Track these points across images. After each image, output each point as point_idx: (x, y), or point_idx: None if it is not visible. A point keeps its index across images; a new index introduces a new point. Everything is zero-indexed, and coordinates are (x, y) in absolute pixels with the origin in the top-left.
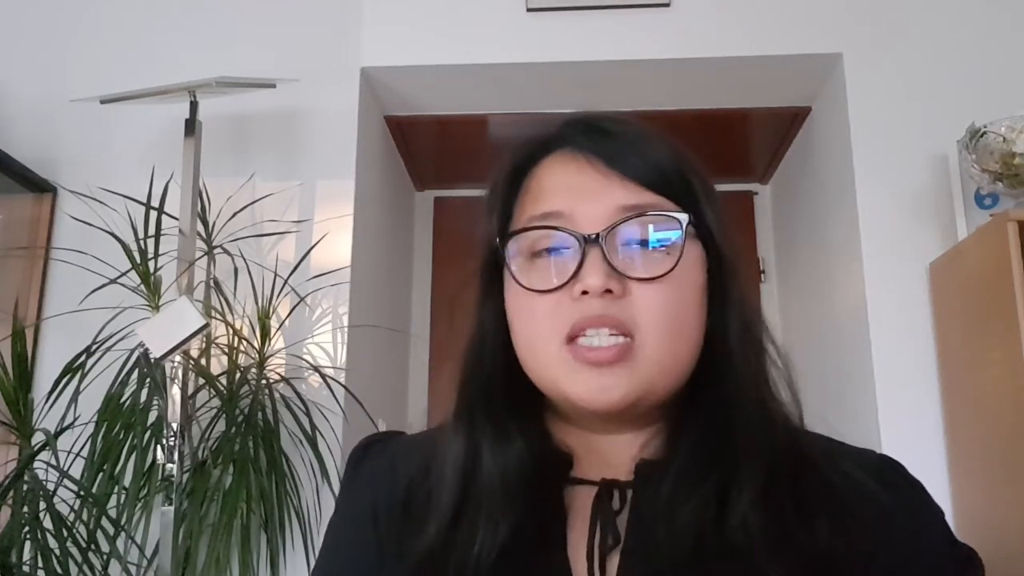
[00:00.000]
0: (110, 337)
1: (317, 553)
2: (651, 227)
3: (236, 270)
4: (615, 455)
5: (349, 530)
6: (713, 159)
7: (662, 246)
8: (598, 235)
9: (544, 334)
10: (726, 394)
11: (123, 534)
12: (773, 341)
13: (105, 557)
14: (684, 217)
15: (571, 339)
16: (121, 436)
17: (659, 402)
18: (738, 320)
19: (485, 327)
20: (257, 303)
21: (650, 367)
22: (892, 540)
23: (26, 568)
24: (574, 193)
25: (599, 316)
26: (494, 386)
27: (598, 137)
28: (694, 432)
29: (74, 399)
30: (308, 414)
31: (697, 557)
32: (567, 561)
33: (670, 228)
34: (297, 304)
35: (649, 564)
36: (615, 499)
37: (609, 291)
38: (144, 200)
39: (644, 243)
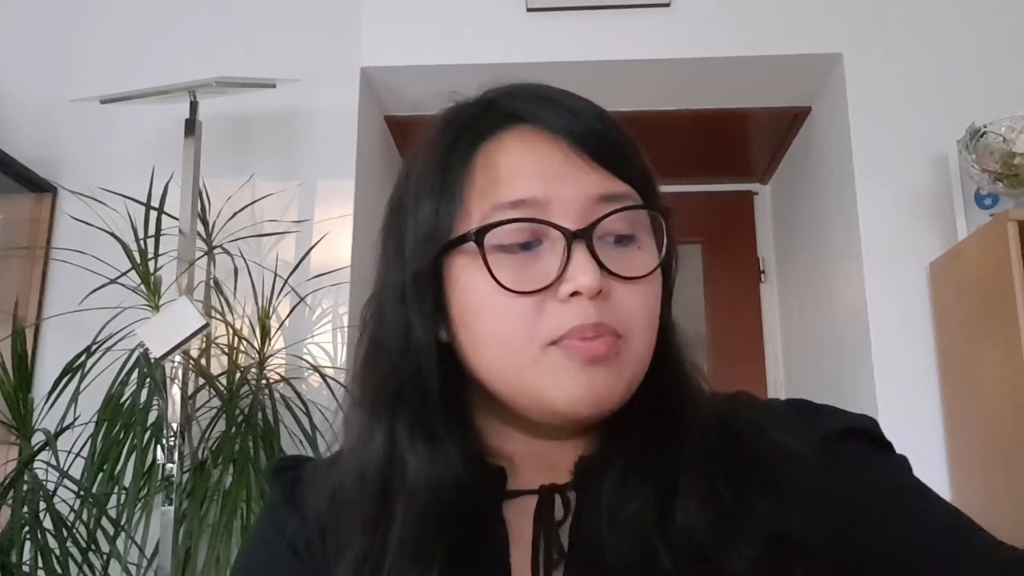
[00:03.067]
0: (110, 337)
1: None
2: (634, 222)
3: (236, 270)
4: (558, 459)
5: (268, 566)
6: (713, 159)
7: (648, 244)
8: (586, 229)
9: (524, 338)
10: (667, 390)
11: (123, 534)
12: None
13: (105, 557)
14: (662, 215)
15: (557, 341)
16: (121, 436)
17: (621, 405)
18: (673, 314)
19: (412, 331)
20: (257, 303)
21: (634, 367)
22: (830, 496)
23: (26, 568)
24: (548, 178)
25: (596, 323)
26: (428, 391)
27: (565, 115)
28: (633, 430)
29: (74, 399)
30: (308, 414)
31: (647, 559)
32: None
33: (645, 224)
34: (297, 304)
35: (598, 569)
36: (557, 506)
37: (599, 292)
38: (144, 200)
39: (627, 239)
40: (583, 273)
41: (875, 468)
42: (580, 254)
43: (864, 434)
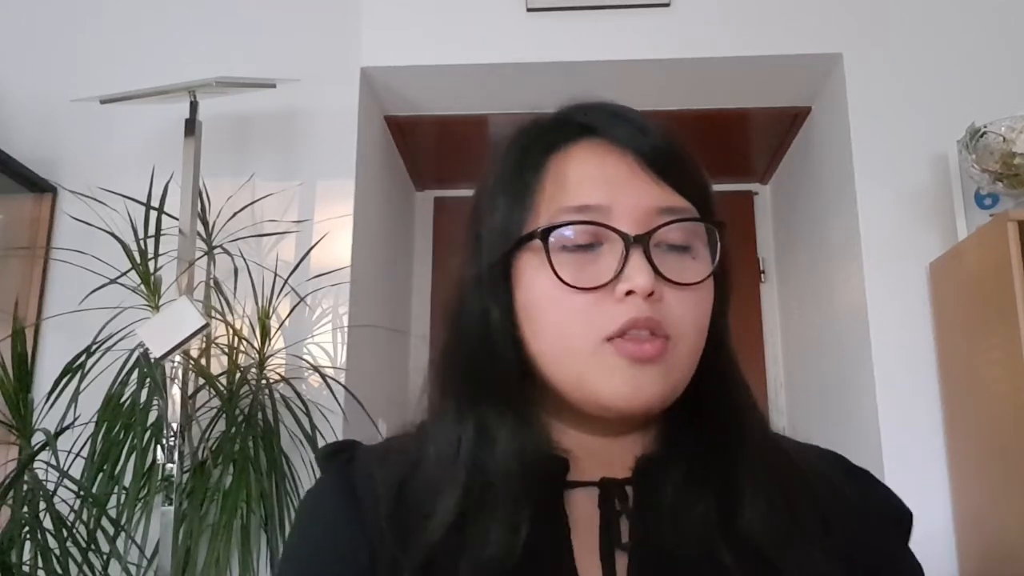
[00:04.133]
0: (110, 337)
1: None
2: (690, 233)
3: (236, 270)
4: (613, 456)
5: (335, 542)
6: (713, 159)
7: (700, 254)
8: (644, 235)
9: (580, 331)
10: (725, 398)
11: (123, 534)
12: None
13: (105, 557)
14: (715, 227)
15: (614, 337)
16: (121, 436)
17: (667, 407)
18: (728, 326)
19: (492, 320)
20: (257, 303)
21: (681, 370)
22: (860, 528)
23: (26, 568)
24: (610, 187)
25: (648, 318)
26: (510, 380)
27: (634, 132)
28: (692, 433)
29: (74, 399)
30: (308, 414)
31: (708, 557)
32: (575, 568)
33: (700, 236)
34: (297, 304)
35: (661, 564)
36: (616, 501)
37: (651, 293)
38: (144, 200)
39: (682, 249)
40: (639, 274)
41: (910, 560)
42: (637, 257)
43: (909, 523)
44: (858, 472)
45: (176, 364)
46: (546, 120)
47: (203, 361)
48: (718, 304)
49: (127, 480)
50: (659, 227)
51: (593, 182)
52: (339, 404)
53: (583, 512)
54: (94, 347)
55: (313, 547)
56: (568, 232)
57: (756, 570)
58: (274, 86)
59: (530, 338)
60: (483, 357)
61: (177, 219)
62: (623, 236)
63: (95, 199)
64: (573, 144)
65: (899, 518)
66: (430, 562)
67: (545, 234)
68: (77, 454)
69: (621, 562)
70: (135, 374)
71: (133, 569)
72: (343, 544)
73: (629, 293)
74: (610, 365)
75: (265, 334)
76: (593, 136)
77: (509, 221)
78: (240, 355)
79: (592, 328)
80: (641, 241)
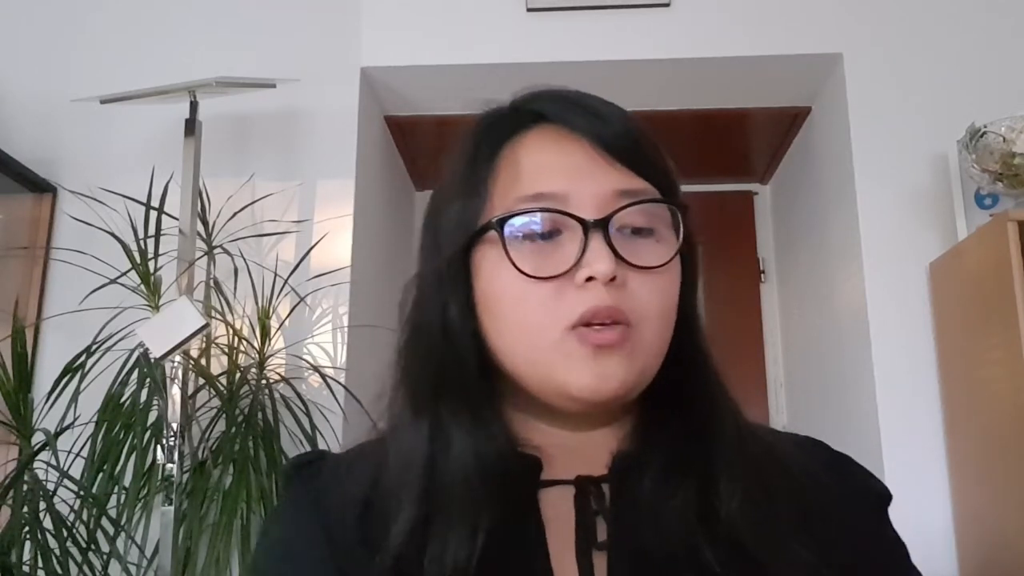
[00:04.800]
0: (110, 337)
1: None
2: (650, 216)
3: (236, 270)
4: (589, 452)
5: (300, 556)
6: (713, 159)
7: (655, 235)
8: (603, 220)
9: (542, 322)
10: (697, 387)
11: (123, 534)
12: None
13: (105, 557)
14: (677, 208)
15: (577, 326)
16: (121, 436)
17: (638, 395)
18: (698, 314)
19: (451, 316)
20: (257, 303)
21: (646, 357)
22: (843, 514)
23: (26, 568)
24: (570, 174)
25: (609, 306)
26: (467, 377)
27: (589, 117)
28: (668, 426)
29: (74, 399)
30: (308, 414)
31: (689, 553)
32: (550, 569)
33: (663, 218)
34: (297, 304)
35: (640, 563)
36: (592, 500)
37: (613, 278)
38: (144, 200)
39: (645, 232)
40: (599, 260)
41: (897, 543)
42: (596, 242)
43: (888, 503)
44: (838, 457)
45: (176, 364)
46: (500, 110)
47: (203, 361)
48: (685, 289)
49: (127, 480)
50: (618, 210)
51: (548, 170)
52: (339, 404)
53: (559, 511)
54: (94, 347)
55: (278, 568)
56: (524, 221)
57: (738, 565)
58: (274, 86)
59: (493, 333)
60: (441, 355)
61: (177, 219)
62: (581, 221)
63: (95, 199)
64: (527, 132)
65: (880, 501)
66: (395, 571)
67: (500, 224)
68: (77, 454)
69: (599, 562)
70: (135, 374)
71: (133, 569)
72: (306, 565)
73: (590, 279)
74: (573, 355)
75: (265, 334)
76: (547, 123)
77: (465, 214)
78: (240, 355)
79: (554, 318)
80: (600, 225)
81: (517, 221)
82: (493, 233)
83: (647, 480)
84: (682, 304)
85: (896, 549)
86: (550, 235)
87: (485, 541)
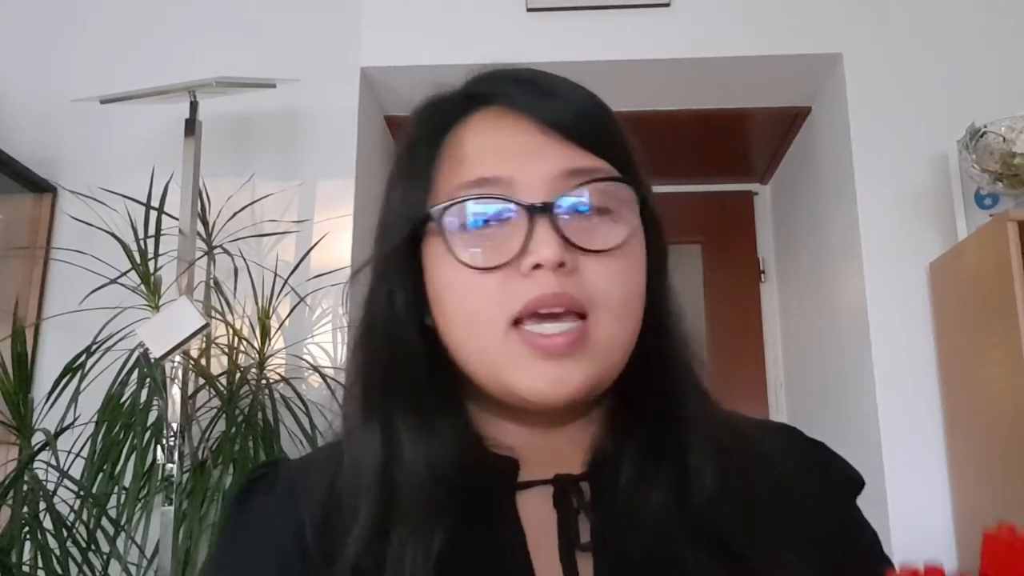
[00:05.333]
0: (110, 337)
1: None
2: (601, 194)
3: (236, 270)
4: (564, 449)
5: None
6: (713, 159)
7: (612, 215)
8: (548, 203)
9: (488, 316)
10: (668, 375)
11: (123, 534)
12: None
13: (105, 557)
14: (633, 184)
15: (519, 321)
16: (121, 436)
17: (607, 386)
18: (672, 298)
19: (397, 312)
20: (257, 303)
21: (605, 350)
22: (819, 502)
23: (26, 568)
24: (512, 156)
25: (555, 294)
26: (417, 377)
27: (532, 90)
28: (641, 418)
29: (74, 399)
30: (308, 414)
31: (670, 548)
32: (532, 572)
33: (620, 196)
34: (297, 304)
35: (625, 564)
36: (573, 498)
37: (562, 264)
38: (144, 200)
39: (595, 212)
40: (544, 245)
41: (870, 530)
42: (542, 227)
43: (861, 488)
44: (813, 444)
45: (176, 364)
46: (445, 93)
47: (203, 361)
48: (654, 274)
49: (127, 480)
50: (564, 192)
51: (491, 153)
52: (339, 404)
53: (538, 513)
54: (94, 347)
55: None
56: (465, 209)
57: (722, 564)
58: (274, 86)
59: (443, 328)
60: (389, 351)
61: (177, 219)
62: (524, 206)
63: (95, 199)
64: (472, 116)
65: (856, 488)
66: None
67: (440, 213)
68: (77, 454)
69: (583, 564)
70: (135, 374)
71: (133, 569)
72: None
73: (537, 267)
74: (521, 357)
75: (265, 334)
76: (491, 105)
77: (407, 203)
78: (240, 355)
79: (499, 310)
80: (545, 209)
81: (456, 210)
82: (434, 224)
83: (623, 477)
84: (651, 291)
85: (872, 537)
86: (496, 222)
87: (461, 546)
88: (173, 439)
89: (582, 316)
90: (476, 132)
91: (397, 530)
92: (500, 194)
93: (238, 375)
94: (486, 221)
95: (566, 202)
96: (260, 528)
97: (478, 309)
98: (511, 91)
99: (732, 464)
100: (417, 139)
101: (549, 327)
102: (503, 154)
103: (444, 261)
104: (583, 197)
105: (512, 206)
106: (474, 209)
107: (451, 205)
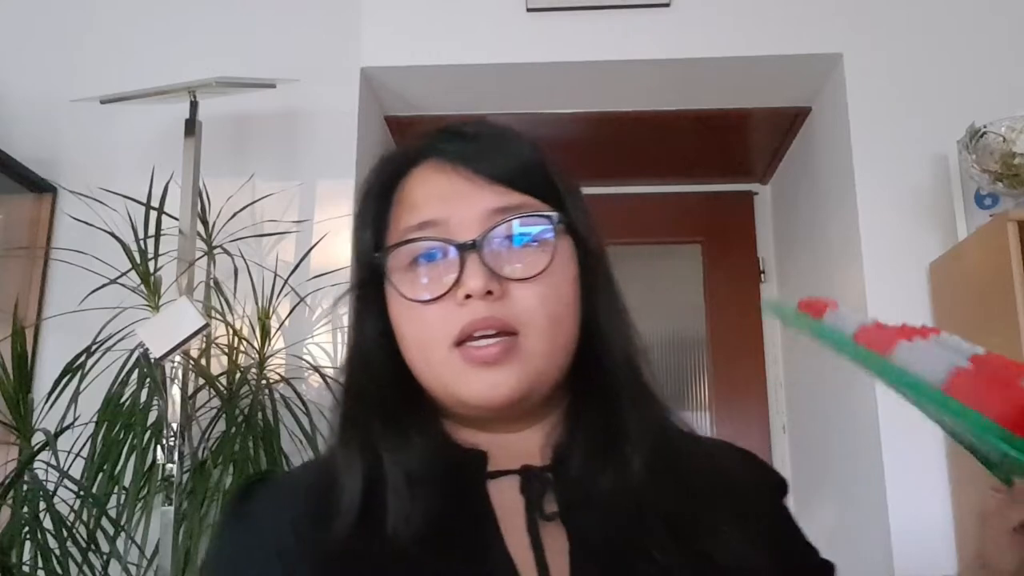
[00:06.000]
0: (110, 337)
1: None
2: (524, 227)
3: (236, 270)
4: (529, 446)
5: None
6: (713, 159)
7: (536, 244)
8: (474, 241)
9: (433, 340)
10: (607, 373)
11: (123, 534)
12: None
13: (105, 557)
14: (554, 215)
15: (459, 342)
16: (121, 436)
17: (548, 392)
18: (609, 306)
19: (368, 340)
20: (257, 303)
21: (535, 360)
22: (750, 499)
23: (26, 568)
24: (445, 201)
25: (484, 318)
26: (386, 395)
27: (461, 143)
28: (590, 412)
29: (74, 399)
30: (308, 414)
31: (619, 520)
32: (503, 544)
33: (542, 226)
34: (297, 304)
35: (586, 541)
36: (538, 484)
37: (490, 292)
38: (144, 200)
39: (518, 243)
40: (471, 277)
41: (797, 526)
42: (471, 262)
43: (787, 491)
44: (746, 451)
45: (176, 364)
46: (396, 151)
47: (203, 361)
48: (591, 287)
49: (127, 480)
50: (488, 230)
51: (429, 199)
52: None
53: (508, 497)
54: (94, 347)
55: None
56: (406, 250)
57: (667, 535)
58: (274, 86)
59: (404, 353)
60: (361, 373)
61: (177, 219)
62: (455, 244)
63: (95, 199)
64: (415, 169)
65: (784, 490)
66: (337, 559)
67: (384, 255)
68: (77, 454)
69: (550, 542)
70: (135, 374)
71: (133, 569)
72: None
73: (468, 297)
74: (462, 370)
75: (265, 334)
76: (431, 158)
77: (366, 246)
78: (240, 355)
79: (440, 336)
80: (473, 246)
81: (399, 251)
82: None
83: (576, 466)
84: (590, 302)
85: (799, 531)
86: (433, 259)
87: (437, 527)
88: (173, 439)
89: (514, 334)
90: (419, 182)
91: (378, 514)
92: (434, 235)
93: (238, 375)
94: (425, 259)
95: (492, 237)
96: (260, 525)
97: (425, 335)
98: (446, 146)
99: (671, 452)
100: (372, 190)
101: (484, 342)
102: (440, 199)
103: (394, 295)
104: (507, 232)
105: (445, 244)
106: (412, 249)
107: (395, 246)
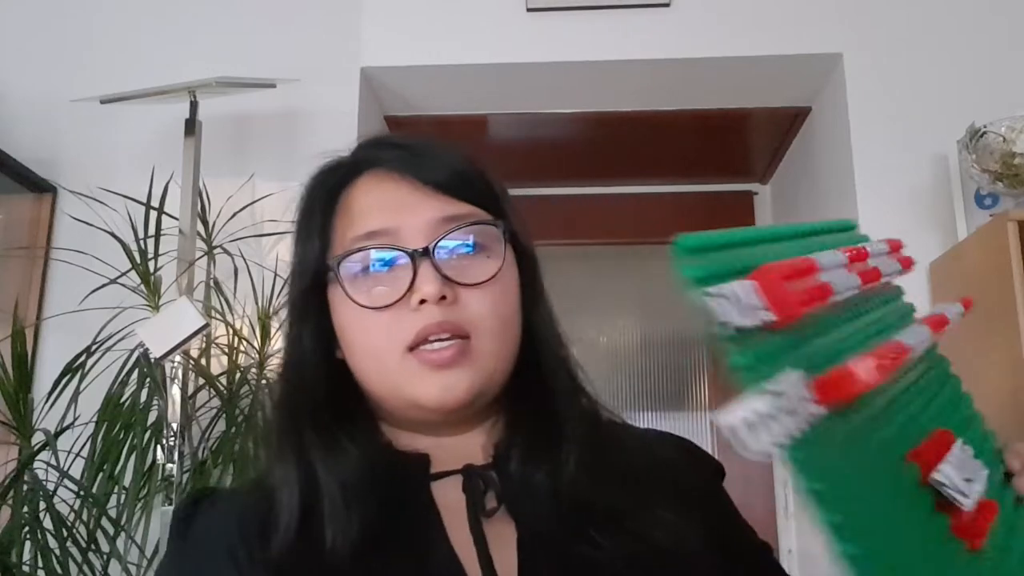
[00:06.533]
0: (110, 337)
1: None
2: (473, 235)
3: (236, 270)
4: (471, 448)
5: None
6: (713, 159)
7: (485, 251)
8: (427, 248)
9: (386, 346)
10: (545, 373)
11: (123, 534)
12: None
13: (105, 557)
14: (501, 223)
15: (413, 347)
16: (121, 436)
17: (496, 393)
18: (544, 310)
19: (304, 350)
20: (257, 303)
21: (486, 361)
22: (686, 476)
23: (26, 568)
24: (394, 210)
25: (439, 322)
26: (319, 404)
27: (403, 153)
28: (528, 411)
29: (74, 399)
30: None
31: (556, 512)
32: (448, 543)
33: (489, 236)
34: None
35: (532, 523)
36: (480, 482)
37: (444, 297)
38: (144, 200)
39: (469, 251)
40: (425, 283)
41: (731, 506)
42: (424, 268)
43: (723, 476)
44: (683, 439)
45: (176, 364)
46: (334, 162)
47: (203, 361)
48: (529, 296)
49: (127, 480)
50: (441, 237)
51: (377, 209)
52: None
53: (452, 497)
54: (94, 347)
55: None
56: (359, 257)
57: (600, 523)
58: (274, 86)
59: (350, 359)
60: (300, 387)
61: (177, 219)
62: (408, 252)
63: (95, 199)
64: (358, 179)
65: (722, 474)
66: (277, 571)
67: (336, 263)
68: (77, 454)
69: (496, 536)
70: (135, 374)
71: (133, 569)
72: None
73: (422, 302)
74: (416, 373)
75: (265, 334)
76: (374, 168)
77: (306, 257)
78: (240, 355)
79: (394, 342)
80: (425, 253)
81: (352, 259)
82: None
83: (514, 464)
84: (528, 311)
85: (737, 514)
86: (386, 267)
87: (379, 531)
88: (173, 439)
89: (466, 337)
90: (363, 192)
91: (315, 525)
92: (388, 243)
93: (238, 375)
94: (377, 266)
95: (444, 245)
96: (207, 538)
97: (379, 342)
98: (390, 156)
99: (607, 444)
100: (314, 201)
101: (438, 345)
102: (387, 209)
103: (344, 302)
104: (458, 240)
105: (398, 252)
106: (366, 257)
107: (347, 255)
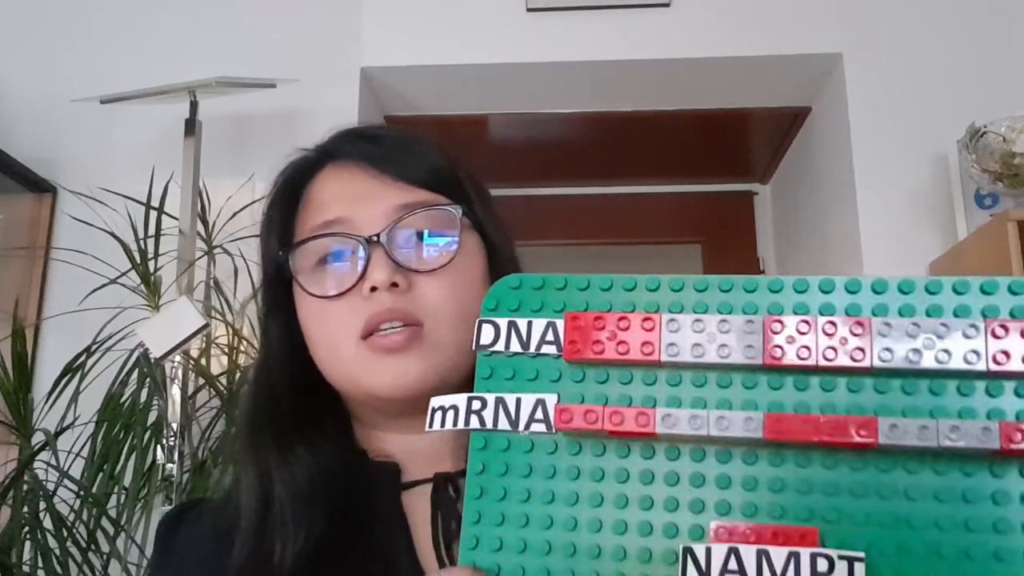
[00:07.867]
0: (110, 337)
1: None
2: (428, 221)
3: (236, 270)
4: (443, 450)
5: None
6: (713, 159)
7: (441, 238)
8: (378, 235)
9: (341, 335)
10: None
11: (123, 534)
12: None
13: (105, 557)
14: (457, 209)
15: (366, 335)
16: (121, 436)
17: (463, 388)
18: None
19: (272, 346)
20: (257, 303)
21: (442, 351)
22: None
23: (26, 568)
24: (350, 199)
25: (389, 309)
26: (282, 406)
27: (367, 144)
28: None
29: (74, 399)
30: None
31: None
32: (414, 555)
33: (445, 221)
34: None
35: None
36: (451, 490)
37: (395, 285)
38: (144, 200)
39: (423, 237)
40: (377, 271)
41: None
42: (377, 256)
43: None
44: None
45: (176, 364)
46: (298, 155)
47: (203, 361)
48: (494, 278)
49: (127, 480)
50: (392, 224)
51: (334, 200)
52: None
53: (423, 507)
54: (94, 347)
55: None
56: (310, 247)
57: None
58: (274, 86)
59: (312, 352)
60: (266, 386)
61: (177, 219)
62: (359, 240)
63: (95, 199)
64: (317, 171)
65: None
66: None
67: (287, 253)
68: (77, 454)
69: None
70: (135, 374)
71: (133, 569)
72: None
73: (373, 289)
74: (369, 361)
75: None
76: (336, 160)
77: (270, 250)
78: (240, 355)
79: (348, 330)
80: (378, 240)
81: (303, 249)
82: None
83: None
84: None
85: None
86: (340, 256)
87: (342, 544)
88: (173, 439)
89: (419, 325)
90: (323, 184)
91: (270, 536)
92: (339, 231)
93: (238, 375)
94: (333, 258)
95: (397, 232)
96: (187, 548)
97: (333, 331)
98: (352, 148)
99: None
100: (278, 194)
101: (389, 331)
102: (344, 199)
103: (301, 294)
104: (412, 226)
105: (351, 240)
106: (318, 247)
107: (298, 244)
